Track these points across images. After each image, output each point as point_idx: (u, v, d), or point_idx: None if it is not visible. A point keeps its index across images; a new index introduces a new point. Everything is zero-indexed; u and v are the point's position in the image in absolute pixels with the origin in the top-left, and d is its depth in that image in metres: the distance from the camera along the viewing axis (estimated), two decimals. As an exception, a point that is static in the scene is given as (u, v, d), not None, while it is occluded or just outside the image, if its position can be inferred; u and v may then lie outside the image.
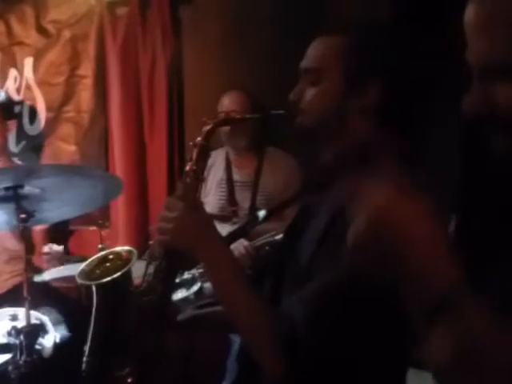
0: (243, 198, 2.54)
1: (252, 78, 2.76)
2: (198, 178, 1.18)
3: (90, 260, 1.43)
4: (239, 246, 2.30)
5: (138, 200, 3.01)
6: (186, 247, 1.12)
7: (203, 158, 1.18)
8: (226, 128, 2.38)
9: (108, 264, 1.41)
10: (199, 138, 1.18)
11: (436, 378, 0.65)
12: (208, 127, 1.17)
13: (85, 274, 1.40)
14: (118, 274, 1.30)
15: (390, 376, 1.05)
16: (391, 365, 1.04)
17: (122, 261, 1.38)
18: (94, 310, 1.34)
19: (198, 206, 1.14)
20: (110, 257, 1.43)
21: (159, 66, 2.99)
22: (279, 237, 1.95)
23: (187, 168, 1.18)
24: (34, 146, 3.16)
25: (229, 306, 1.08)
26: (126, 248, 1.50)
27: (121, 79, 3.03)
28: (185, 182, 1.17)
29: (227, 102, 2.54)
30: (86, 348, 1.31)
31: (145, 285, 1.16)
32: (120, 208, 2.99)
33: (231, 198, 2.55)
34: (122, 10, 3.06)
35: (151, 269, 1.15)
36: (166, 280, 1.16)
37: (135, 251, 1.41)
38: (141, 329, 1.16)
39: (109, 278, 1.31)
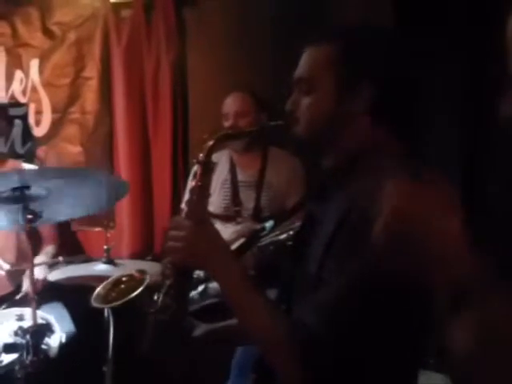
0: (247, 198, 2.55)
1: (256, 80, 2.77)
2: (204, 194, 1.18)
3: (104, 283, 1.46)
4: None
5: (143, 201, 3.02)
6: (197, 264, 1.14)
7: (207, 174, 1.19)
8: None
9: (122, 286, 1.44)
10: (201, 155, 1.19)
11: (456, 369, 0.66)
12: (210, 143, 1.18)
13: (100, 297, 1.42)
14: (133, 295, 1.32)
15: (404, 377, 1.06)
16: (405, 366, 1.05)
17: (136, 281, 1.41)
18: (111, 331, 1.36)
19: (205, 222, 1.15)
20: (124, 279, 1.45)
21: (163, 67, 3.01)
22: (283, 236, 1.96)
23: (193, 184, 1.19)
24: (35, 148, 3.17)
25: (243, 316, 1.09)
26: (138, 269, 1.52)
27: (125, 80, 3.04)
28: (191, 198, 1.18)
29: (230, 104, 2.54)
30: (107, 372, 1.33)
31: (159, 304, 1.17)
32: (125, 209, 3.01)
33: (235, 198, 2.56)
34: (126, 12, 3.07)
35: (165, 287, 1.17)
36: (179, 297, 1.17)
37: (147, 271, 1.43)
38: (158, 347, 1.18)
39: (123, 300, 1.33)
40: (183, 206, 1.22)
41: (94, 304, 1.40)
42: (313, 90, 1.09)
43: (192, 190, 1.19)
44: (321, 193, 1.17)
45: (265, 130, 1.21)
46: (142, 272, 1.43)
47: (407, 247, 0.68)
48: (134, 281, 1.42)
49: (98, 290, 1.43)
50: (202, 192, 1.18)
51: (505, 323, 0.62)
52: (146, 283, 1.35)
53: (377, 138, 1.07)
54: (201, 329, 1.28)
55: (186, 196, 1.20)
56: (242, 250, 1.47)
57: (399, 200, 0.69)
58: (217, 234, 1.14)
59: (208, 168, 1.19)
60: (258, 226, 1.62)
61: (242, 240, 2.00)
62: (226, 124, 2.50)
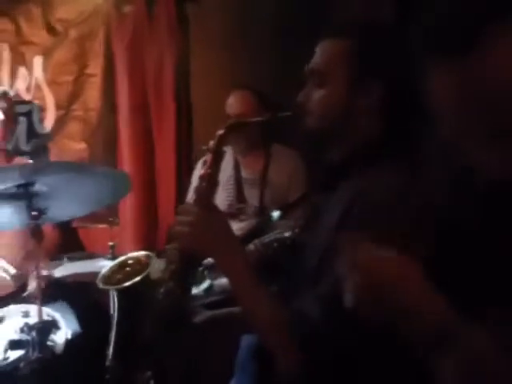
0: (251, 196, 2.55)
1: (257, 76, 2.76)
2: (213, 181, 1.20)
3: (110, 266, 1.46)
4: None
5: (147, 197, 3.03)
6: (202, 250, 1.14)
7: (217, 162, 1.21)
8: None
9: (128, 269, 1.45)
10: (212, 142, 1.19)
11: None
12: (221, 132, 1.19)
13: (105, 279, 1.43)
14: (138, 278, 1.33)
15: (404, 370, 1.06)
16: (406, 360, 1.05)
17: (141, 265, 1.41)
18: (115, 314, 1.37)
19: (213, 208, 1.17)
20: (129, 262, 1.46)
21: (166, 63, 3.01)
22: (288, 234, 1.96)
23: (202, 172, 1.20)
24: (42, 144, 3.18)
25: (246, 304, 1.10)
26: (144, 253, 1.53)
27: (128, 77, 3.04)
28: (200, 185, 1.19)
29: (232, 106, 2.50)
30: (109, 352, 1.34)
31: (163, 288, 1.18)
32: (129, 205, 3.01)
33: (239, 196, 2.55)
34: (128, 8, 3.07)
35: (169, 272, 1.17)
36: (183, 283, 1.18)
37: (153, 255, 1.44)
38: (160, 332, 1.18)
39: (129, 283, 1.34)
40: (191, 194, 1.23)
41: (99, 285, 1.40)
42: (326, 83, 1.10)
43: (201, 177, 1.20)
44: (324, 186, 1.17)
45: (274, 120, 1.22)
46: (148, 256, 1.43)
47: (380, 306, 0.68)
48: (139, 264, 1.43)
49: (103, 271, 1.44)
50: (212, 179, 1.19)
51: (488, 358, 0.62)
52: (150, 268, 1.36)
53: (384, 134, 1.07)
54: (203, 315, 1.29)
55: (195, 183, 1.21)
56: (248, 238, 1.47)
57: (365, 271, 0.70)
58: (224, 220, 1.16)
59: (218, 156, 1.20)
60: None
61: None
62: None
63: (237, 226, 2.44)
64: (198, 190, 1.19)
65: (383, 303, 0.68)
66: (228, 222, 1.17)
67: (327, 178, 1.18)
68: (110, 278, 1.45)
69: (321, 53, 1.13)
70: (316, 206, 1.19)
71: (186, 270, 1.17)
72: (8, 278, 2.43)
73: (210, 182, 1.19)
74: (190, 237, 1.11)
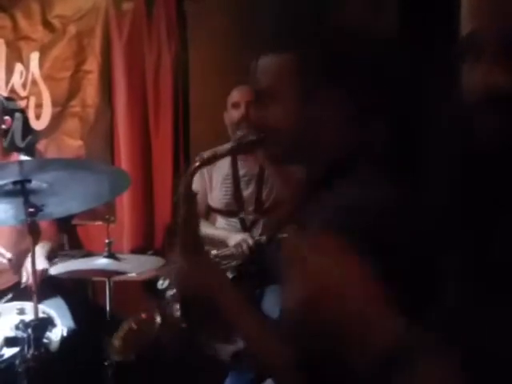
0: (250, 192, 2.54)
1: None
2: (193, 223, 1.17)
3: (116, 335, 1.45)
4: (243, 243, 2.31)
5: (144, 195, 3.02)
6: (197, 293, 1.14)
7: (191, 204, 1.17)
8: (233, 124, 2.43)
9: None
10: (181, 187, 1.15)
11: None
12: (186, 176, 1.16)
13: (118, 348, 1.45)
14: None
15: None
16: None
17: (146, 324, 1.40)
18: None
19: (198, 252, 1.16)
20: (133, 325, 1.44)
21: (165, 60, 3.00)
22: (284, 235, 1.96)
23: (178, 220, 1.17)
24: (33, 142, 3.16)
25: (241, 332, 1.12)
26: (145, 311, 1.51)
27: (126, 74, 3.03)
28: (182, 231, 1.17)
29: (242, 94, 2.48)
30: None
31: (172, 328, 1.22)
32: (126, 203, 3.00)
33: (237, 193, 2.55)
34: (127, 5, 3.06)
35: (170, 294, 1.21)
36: (189, 319, 1.20)
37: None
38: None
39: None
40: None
41: (114, 358, 1.42)
42: (276, 99, 1.06)
43: (180, 225, 1.16)
44: (305, 198, 1.15)
45: (241, 147, 1.20)
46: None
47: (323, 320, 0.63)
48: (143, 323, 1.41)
49: (113, 343, 1.45)
50: (190, 223, 1.16)
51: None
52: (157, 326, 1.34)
53: (354, 145, 1.04)
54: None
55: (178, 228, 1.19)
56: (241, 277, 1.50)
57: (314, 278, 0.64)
58: (210, 261, 1.23)
59: (189, 199, 1.16)
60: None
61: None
62: (235, 114, 2.46)
63: (235, 224, 2.44)
64: (180, 236, 1.17)
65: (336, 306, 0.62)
66: (213, 262, 1.20)
67: (307, 191, 1.15)
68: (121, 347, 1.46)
69: (264, 71, 1.08)
70: (298, 219, 1.17)
71: (190, 309, 1.19)
72: (4, 261, 2.40)
73: (189, 225, 1.16)
74: (183, 284, 1.16)
